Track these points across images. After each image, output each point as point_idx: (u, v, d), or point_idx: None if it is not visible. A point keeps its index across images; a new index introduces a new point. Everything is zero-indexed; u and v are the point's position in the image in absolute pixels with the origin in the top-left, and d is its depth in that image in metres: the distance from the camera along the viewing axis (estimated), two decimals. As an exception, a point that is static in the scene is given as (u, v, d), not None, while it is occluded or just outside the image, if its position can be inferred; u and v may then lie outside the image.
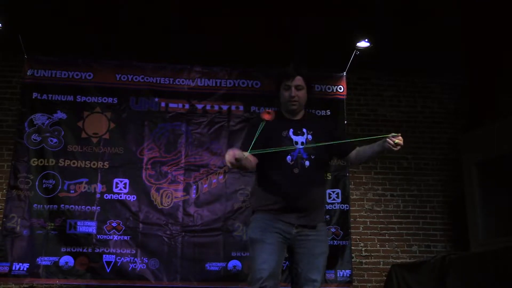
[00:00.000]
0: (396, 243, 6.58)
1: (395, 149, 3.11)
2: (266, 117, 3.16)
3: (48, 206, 5.58)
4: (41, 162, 5.69)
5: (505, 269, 4.47)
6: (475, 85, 7.11)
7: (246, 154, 3.03)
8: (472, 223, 6.37)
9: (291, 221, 3.24)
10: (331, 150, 3.40)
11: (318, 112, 6.05)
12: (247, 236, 3.39)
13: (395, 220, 6.64)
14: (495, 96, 6.78)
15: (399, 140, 3.09)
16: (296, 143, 3.31)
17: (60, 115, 5.82)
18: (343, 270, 5.75)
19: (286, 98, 3.39)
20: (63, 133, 5.78)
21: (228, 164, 3.05)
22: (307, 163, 3.28)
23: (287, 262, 3.43)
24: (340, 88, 6.25)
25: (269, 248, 3.21)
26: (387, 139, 3.12)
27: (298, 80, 3.37)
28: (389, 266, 6.27)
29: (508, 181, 6.21)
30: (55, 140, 5.75)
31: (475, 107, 7.05)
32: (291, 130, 3.36)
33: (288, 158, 3.27)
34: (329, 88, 6.22)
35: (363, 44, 6.24)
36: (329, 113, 6.11)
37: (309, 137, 3.35)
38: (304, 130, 3.37)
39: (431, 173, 6.87)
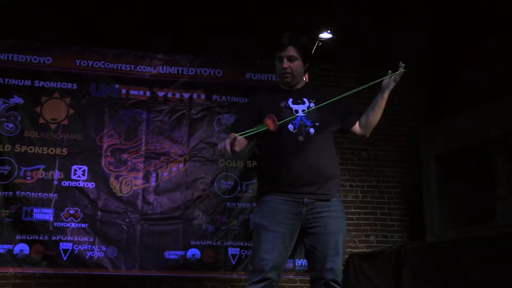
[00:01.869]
0: (354, 233, 6.66)
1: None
2: (270, 123, 2.89)
3: (3, 192, 5.45)
4: (-4, 147, 5.57)
5: (459, 259, 4.58)
6: (436, 78, 7.23)
7: (238, 136, 2.84)
8: (428, 214, 6.50)
9: (300, 197, 2.99)
10: (337, 121, 3.23)
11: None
12: (253, 221, 3.13)
13: (354, 210, 6.72)
14: (455, 90, 6.91)
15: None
16: (297, 111, 3.11)
17: (17, 99, 5.68)
18: (302, 259, 5.79)
19: (279, 70, 3.19)
20: (20, 118, 5.65)
21: (227, 153, 2.83)
22: (311, 130, 3.07)
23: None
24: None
25: (275, 236, 2.96)
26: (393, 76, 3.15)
27: (291, 51, 3.12)
28: (347, 256, 6.34)
29: (464, 174, 6.35)
30: (11, 125, 5.62)
31: (436, 100, 7.17)
32: (290, 99, 3.16)
33: (290, 126, 3.05)
34: (291, 79, 6.23)
35: (325, 35, 6.27)
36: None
37: (312, 105, 3.14)
38: (305, 99, 3.16)
39: (390, 164, 6.96)
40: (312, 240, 3.02)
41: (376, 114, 3.29)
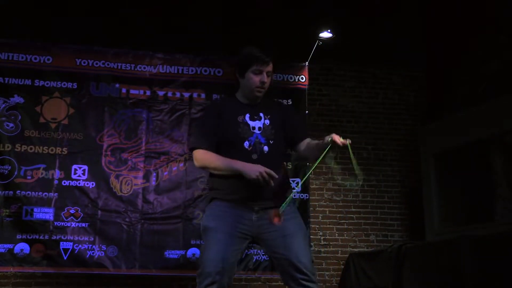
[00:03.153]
0: (354, 232, 6.67)
1: (339, 142, 2.94)
2: (276, 220, 2.90)
3: (3, 192, 5.44)
4: (-4, 147, 5.56)
5: (458, 258, 4.58)
6: (435, 78, 7.24)
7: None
8: (428, 213, 6.51)
9: (251, 206, 3.01)
10: (286, 136, 3.23)
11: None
12: (201, 224, 3.12)
13: (354, 209, 6.73)
14: (454, 89, 6.92)
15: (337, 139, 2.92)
16: (253, 128, 3.12)
17: (17, 99, 5.67)
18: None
19: (255, 83, 3.13)
20: (20, 117, 5.63)
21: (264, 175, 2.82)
22: (265, 148, 3.08)
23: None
24: (302, 78, 6.26)
25: (223, 238, 2.94)
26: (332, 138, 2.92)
27: (271, 67, 3.15)
28: (347, 255, 6.36)
29: (464, 173, 6.35)
30: (11, 124, 5.62)
31: (434, 99, 7.18)
32: (247, 114, 3.16)
33: (246, 143, 3.07)
34: (291, 78, 6.22)
35: (325, 34, 6.28)
36: (290, 102, 6.12)
37: (267, 122, 3.16)
38: (261, 114, 3.18)
39: (390, 163, 6.97)
40: (273, 246, 3.01)
41: (312, 158, 3.17)
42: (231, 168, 2.98)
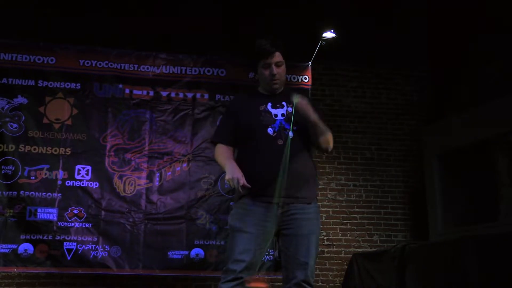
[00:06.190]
0: (357, 233, 6.66)
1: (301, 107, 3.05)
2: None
3: (7, 192, 5.46)
4: (0, 147, 5.56)
5: (462, 258, 4.58)
6: (438, 78, 7.23)
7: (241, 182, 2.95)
8: (431, 213, 6.51)
9: (275, 200, 3.00)
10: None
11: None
12: (228, 222, 3.18)
13: (357, 210, 6.73)
14: (457, 89, 6.91)
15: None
16: (276, 115, 3.15)
17: (20, 99, 5.69)
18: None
19: (267, 78, 3.19)
20: (23, 118, 5.65)
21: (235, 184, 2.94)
22: (290, 133, 3.08)
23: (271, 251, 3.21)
24: (306, 78, 6.26)
25: (248, 237, 3.00)
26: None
27: (278, 56, 3.17)
28: (351, 255, 6.35)
29: (467, 173, 6.34)
30: (15, 125, 5.63)
31: (438, 99, 7.17)
32: (269, 103, 3.20)
33: (270, 130, 3.10)
34: (294, 78, 6.22)
35: (329, 34, 6.27)
36: (293, 102, 6.11)
37: (289, 109, 3.17)
38: (284, 103, 3.20)
39: (394, 164, 6.96)
40: (285, 241, 3.07)
41: (318, 135, 3.19)
42: (222, 165, 3.13)
